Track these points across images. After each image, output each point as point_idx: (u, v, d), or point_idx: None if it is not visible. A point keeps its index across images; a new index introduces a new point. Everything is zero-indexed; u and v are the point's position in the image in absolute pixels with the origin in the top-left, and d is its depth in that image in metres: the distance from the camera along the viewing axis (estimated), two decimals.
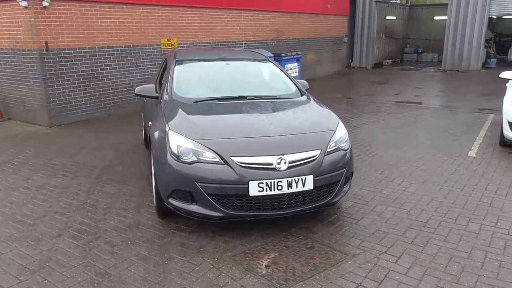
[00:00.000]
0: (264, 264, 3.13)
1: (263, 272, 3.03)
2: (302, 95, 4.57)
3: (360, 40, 19.14)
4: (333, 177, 3.59)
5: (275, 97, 4.44)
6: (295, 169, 3.37)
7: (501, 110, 6.60)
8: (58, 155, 6.15)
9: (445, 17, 22.60)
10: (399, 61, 22.39)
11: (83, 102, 8.84)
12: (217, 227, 3.70)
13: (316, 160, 3.48)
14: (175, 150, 3.48)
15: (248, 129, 3.66)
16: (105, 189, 4.78)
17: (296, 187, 3.36)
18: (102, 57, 9.05)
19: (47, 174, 5.33)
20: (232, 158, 3.33)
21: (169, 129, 3.64)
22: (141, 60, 9.89)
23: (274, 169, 3.33)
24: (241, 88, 4.65)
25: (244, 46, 12.78)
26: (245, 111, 4.10)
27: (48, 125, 8.23)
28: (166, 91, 4.41)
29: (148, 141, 5.65)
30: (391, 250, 3.35)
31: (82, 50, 8.65)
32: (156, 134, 3.84)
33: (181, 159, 3.42)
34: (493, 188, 4.70)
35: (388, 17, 21.04)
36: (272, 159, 3.34)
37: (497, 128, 7.55)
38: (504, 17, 18.35)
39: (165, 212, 3.87)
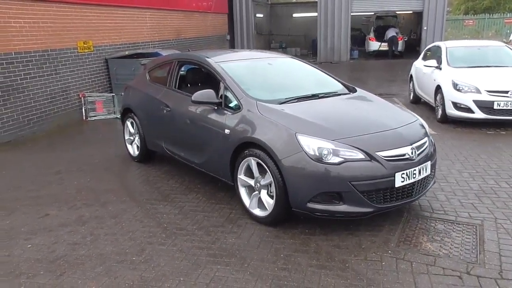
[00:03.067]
0: (432, 247, 3.35)
1: (442, 253, 3.26)
2: (351, 89, 4.80)
3: (240, 37, 19.86)
4: (435, 161, 3.98)
5: (337, 93, 4.58)
6: (421, 156, 3.65)
7: (397, 94, 7.87)
8: (40, 184, 5.10)
9: (302, 14, 25.12)
10: None
11: (5, 119, 7.33)
12: (343, 224, 3.74)
13: (428, 147, 3.82)
14: (312, 152, 3.38)
15: (368, 124, 3.76)
16: (162, 210, 4.24)
17: (423, 173, 3.64)
18: (20, 64, 7.62)
19: (65, 206, 4.43)
20: (377, 153, 3.42)
21: (296, 132, 3.50)
22: (60, 67, 8.61)
23: (408, 159, 3.54)
24: (303, 86, 4.65)
25: (151, 46, 12.12)
26: (343, 108, 4.17)
27: None
28: (232, 95, 4.15)
29: (165, 152, 5.14)
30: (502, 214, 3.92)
31: None
32: (268, 139, 3.62)
33: (325, 161, 3.35)
34: (495, 158, 5.67)
35: (257, 15, 22.23)
36: (407, 150, 3.55)
37: (417, 108, 8.98)
38: (352, 13, 21.11)
39: (279, 220, 3.72)
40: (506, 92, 7.03)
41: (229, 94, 4.21)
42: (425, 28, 18.62)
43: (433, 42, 17.86)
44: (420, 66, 9.54)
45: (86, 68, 9.34)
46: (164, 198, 4.55)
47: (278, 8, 25.77)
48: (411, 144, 3.61)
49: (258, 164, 3.74)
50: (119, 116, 8.80)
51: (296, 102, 4.13)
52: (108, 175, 5.38)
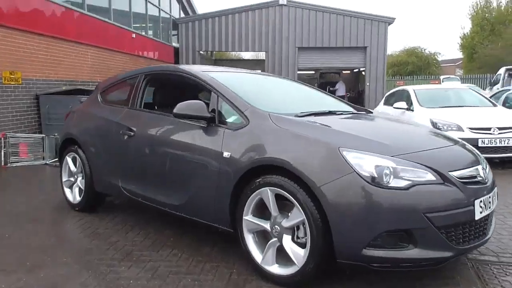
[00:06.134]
0: None
1: None
2: (367, 111, 3.95)
3: None
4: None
5: (354, 113, 3.66)
6: (490, 180, 2.76)
7: None
8: None
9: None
10: None
11: None
12: (393, 279, 2.65)
13: (489, 170, 2.95)
14: (368, 173, 2.33)
15: (420, 140, 2.89)
16: (126, 274, 2.86)
17: (494, 202, 2.74)
18: None
19: None
20: (450, 173, 2.45)
21: (339, 146, 2.45)
22: None
23: (481, 182, 2.62)
24: (313, 102, 3.73)
25: (91, 86, 10.75)
26: (378, 124, 3.30)
27: None
28: (232, 107, 3.05)
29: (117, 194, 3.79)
30: None
31: None
32: (294, 158, 2.53)
33: (385, 185, 2.31)
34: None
35: None
36: (479, 169, 2.64)
37: None
38: (298, 72, 21.12)
39: (312, 279, 2.55)
40: (489, 129, 6.68)
41: (226, 107, 3.11)
42: (367, 84, 19.12)
43: (375, 97, 18.43)
44: (385, 110, 9.20)
45: (10, 104, 7.72)
46: (126, 257, 3.17)
47: (223, 63, 25.58)
48: (479, 164, 2.72)
49: (277, 197, 2.61)
50: (49, 161, 7.27)
51: (315, 117, 3.11)
52: (37, 228, 3.87)
